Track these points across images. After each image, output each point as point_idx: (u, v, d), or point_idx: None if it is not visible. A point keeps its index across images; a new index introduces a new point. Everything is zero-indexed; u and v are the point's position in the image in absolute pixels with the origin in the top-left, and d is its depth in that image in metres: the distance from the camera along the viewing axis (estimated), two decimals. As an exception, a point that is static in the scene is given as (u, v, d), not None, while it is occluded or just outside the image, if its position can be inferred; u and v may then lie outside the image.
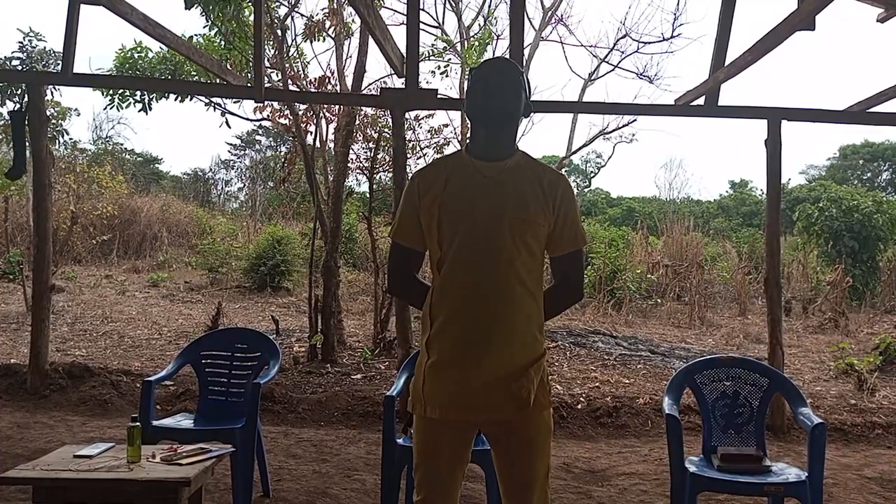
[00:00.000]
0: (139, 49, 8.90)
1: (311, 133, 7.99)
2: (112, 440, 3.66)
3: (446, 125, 13.15)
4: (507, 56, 5.77)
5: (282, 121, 8.48)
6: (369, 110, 8.55)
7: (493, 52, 11.05)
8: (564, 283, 2.39)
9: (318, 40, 8.08)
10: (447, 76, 9.26)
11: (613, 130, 11.11)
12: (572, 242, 2.33)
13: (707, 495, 3.90)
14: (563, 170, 11.85)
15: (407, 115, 7.45)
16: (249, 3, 7.44)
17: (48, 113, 6.44)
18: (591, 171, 27.23)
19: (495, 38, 10.40)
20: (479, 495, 4.06)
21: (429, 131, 9.51)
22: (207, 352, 4.26)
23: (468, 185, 2.28)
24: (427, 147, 9.60)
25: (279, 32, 7.78)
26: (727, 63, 5.73)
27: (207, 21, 7.77)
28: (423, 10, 8.96)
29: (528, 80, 2.37)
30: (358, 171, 9.29)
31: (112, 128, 25.94)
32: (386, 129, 8.26)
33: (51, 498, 2.84)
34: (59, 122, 13.67)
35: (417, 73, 5.60)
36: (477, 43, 9.54)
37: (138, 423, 3.05)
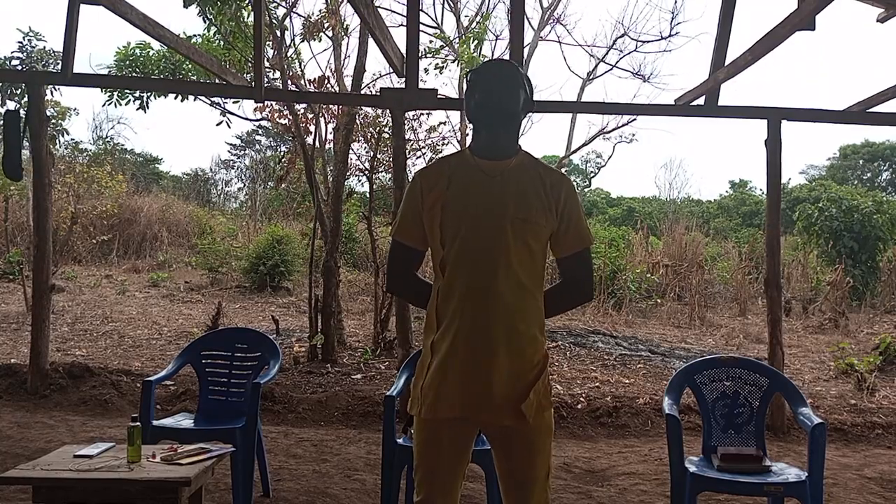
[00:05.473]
0: (142, 46, 8.89)
1: (311, 133, 7.99)
2: (112, 440, 3.66)
3: (443, 122, 13.19)
4: (507, 56, 5.78)
5: (281, 121, 8.48)
6: (369, 110, 8.56)
7: (493, 50, 11.06)
8: (572, 283, 2.39)
9: (316, 40, 8.10)
10: (442, 73, 9.26)
11: (613, 130, 11.15)
12: (578, 242, 2.33)
13: (707, 495, 3.90)
14: (563, 169, 11.86)
15: (406, 115, 7.45)
16: (248, 4, 7.45)
17: (48, 113, 6.43)
18: (591, 171, 27.19)
19: (494, 37, 10.42)
20: (479, 495, 4.06)
21: (428, 129, 9.51)
22: (208, 352, 4.26)
23: (470, 184, 2.28)
24: (426, 147, 9.61)
25: (278, 33, 7.78)
26: (727, 63, 5.73)
27: (205, 22, 7.77)
28: (421, 10, 8.96)
29: (527, 78, 2.37)
30: (358, 171, 9.30)
31: (112, 128, 25.94)
32: (386, 130, 8.27)
33: (51, 498, 2.84)
34: (59, 121, 13.65)
35: (417, 73, 5.60)
36: (472, 37, 9.52)
37: (138, 423, 3.05)
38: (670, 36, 11.04)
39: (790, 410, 3.59)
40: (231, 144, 27.90)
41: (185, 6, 6.85)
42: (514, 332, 2.22)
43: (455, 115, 9.83)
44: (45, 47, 11.72)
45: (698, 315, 11.40)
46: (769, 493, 3.33)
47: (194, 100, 8.72)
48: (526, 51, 9.21)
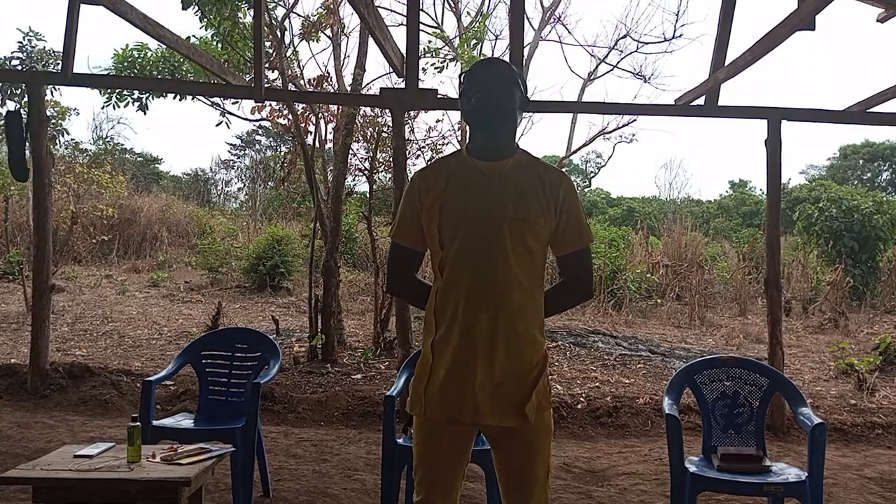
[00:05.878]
0: (140, 48, 8.90)
1: (311, 133, 7.99)
2: (112, 440, 3.65)
3: (440, 120, 13.19)
4: (508, 56, 5.78)
5: (281, 121, 8.48)
6: (369, 110, 8.56)
7: (493, 50, 11.05)
8: (572, 282, 2.39)
9: (315, 40, 8.09)
10: (440, 72, 9.25)
11: (613, 130, 11.14)
12: (577, 241, 2.33)
13: (707, 495, 3.90)
14: (564, 169, 11.88)
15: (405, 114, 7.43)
16: (246, 4, 7.45)
17: (48, 113, 6.43)
18: (591, 171, 27.18)
19: (494, 37, 10.41)
20: (479, 495, 4.06)
21: (428, 128, 9.51)
22: (208, 352, 4.26)
23: (469, 185, 2.27)
24: (425, 146, 9.61)
25: (277, 33, 7.78)
26: (727, 63, 5.73)
27: (201, 22, 7.76)
28: (421, 10, 8.95)
29: (521, 76, 2.37)
30: (358, 171, 9.30)
31: (112, 128, 25.96)
32: (385, 129, 8.26)
33: (51, 498, 2.84)
34: (59, 121, 13.65)
35: (417, 73, 5.60)
36: (471, 36, 9.49)
37: (138, 423, 3.05)
38: (673, 38, 11.05)
39: (790, 410, 3.59)
40: (231, 144, 27.93)
41: (184, 8, 6.84)
42: (514, 333, 2.22)
43: (454, 115, 9.83)
44: (45, 47, 11.72)
45: (698, 315, 11.40)
46: (769, 493, 3.33)
47: (192, 100, 8.72)
48: (526, 51, 9.21)
